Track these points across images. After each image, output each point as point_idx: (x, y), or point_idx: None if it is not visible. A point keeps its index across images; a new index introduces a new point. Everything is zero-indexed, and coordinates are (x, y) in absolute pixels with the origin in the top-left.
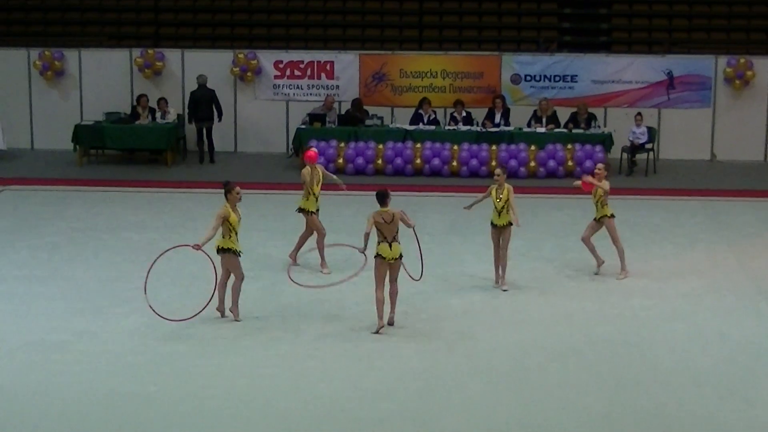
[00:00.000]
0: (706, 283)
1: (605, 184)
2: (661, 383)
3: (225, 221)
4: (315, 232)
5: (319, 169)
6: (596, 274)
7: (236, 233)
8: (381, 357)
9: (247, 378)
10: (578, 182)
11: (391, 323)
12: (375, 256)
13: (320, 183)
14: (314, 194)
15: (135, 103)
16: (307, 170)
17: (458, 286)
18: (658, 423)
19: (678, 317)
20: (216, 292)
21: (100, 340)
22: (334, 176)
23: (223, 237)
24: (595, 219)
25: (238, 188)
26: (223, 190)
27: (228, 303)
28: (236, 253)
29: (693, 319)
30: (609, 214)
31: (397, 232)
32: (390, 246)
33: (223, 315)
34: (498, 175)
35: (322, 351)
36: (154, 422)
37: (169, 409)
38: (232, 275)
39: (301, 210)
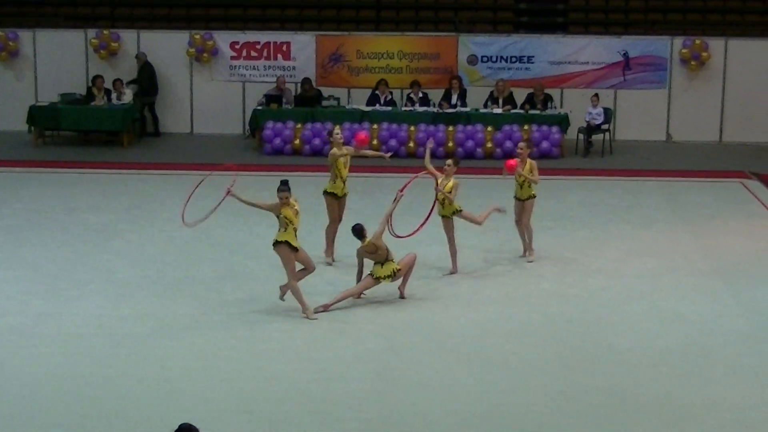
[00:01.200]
0: (662, 263)
1: (533, 165)
2: (618, 362)
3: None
4: (329, 218)
5: (346, 150)
6: (522, 257)
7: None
8: (339, 338)
9: (206, 359)
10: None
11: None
12: (369, 274)
13: (348, 166)
14: (342, 178)
15: (90, 84)
16: (335, 151)
17: (416, 267)
18: (615, 402)
19: (635, 297)
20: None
21: (58, 323)
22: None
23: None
24: (519, 199)
25: (286, 194)
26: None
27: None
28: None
29: (650, 298)
30: (533, 195)
31: (387, 253)
32: (382, 265)
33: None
34: (448, 165)
35: (281, 332)
36: (112, 404)
37: (127, 390)
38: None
39: (326, 193)
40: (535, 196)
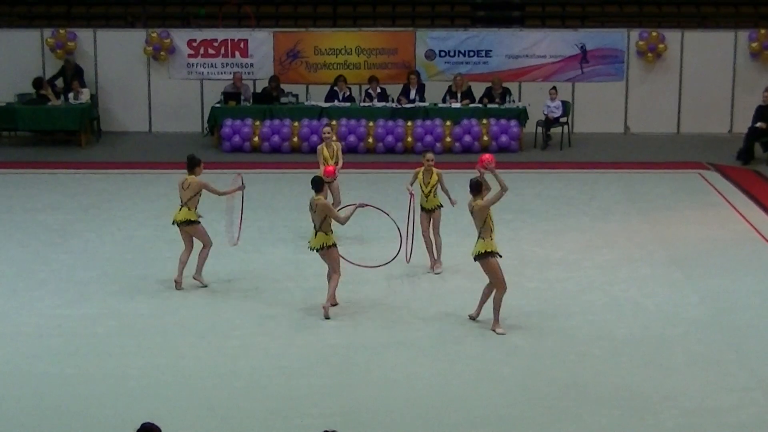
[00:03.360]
0: (621, 254)
1: (436, 175)
2: (578, 353)
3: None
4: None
5: (335, 146)
6: (432, 273)
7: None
8: (300, 334)
9: (166, 357)
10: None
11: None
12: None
13: (335, 158)
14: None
15: (34, 88)
16: (321, 147)
17: (376, 262)
18: (575, 393)
19: (594, 288)
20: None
21: (16, 323)
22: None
23: (192, 209)
24: (426, 209)
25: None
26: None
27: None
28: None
29: (608, 290)
30: (440, 204)
31: (322, 222)
32: (315, 234)
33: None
34: (429, 160)
35: (242, 329)
36: (71, 403)
37: (88, 389)
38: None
39: None
40: (442, 206)
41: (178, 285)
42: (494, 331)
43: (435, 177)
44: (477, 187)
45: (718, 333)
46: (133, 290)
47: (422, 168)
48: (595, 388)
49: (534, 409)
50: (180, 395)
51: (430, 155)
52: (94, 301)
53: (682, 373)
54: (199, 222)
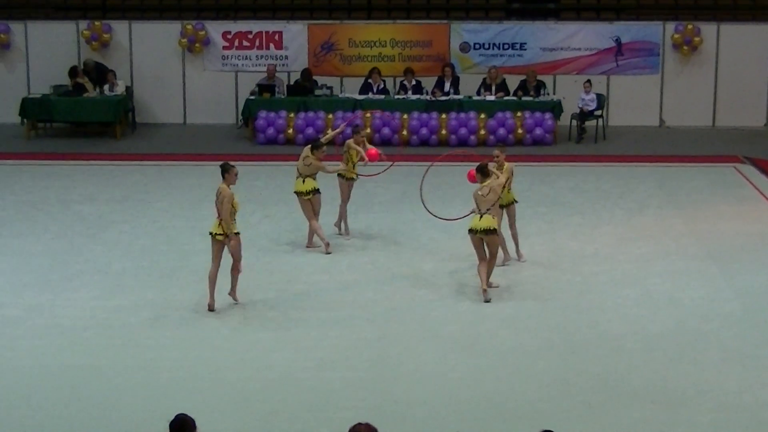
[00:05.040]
0: (655, 247)
1: (507, 170)
2: (612, 348)
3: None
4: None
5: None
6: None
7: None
8: (333, 327)
9: (199, 350)
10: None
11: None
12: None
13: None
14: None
15: (70, 77)
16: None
17: (409, 254)
18: (609, 388)
19: (628, 282)
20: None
21: (51, 315)
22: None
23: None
24: (500, 206)
25: (236, 169)
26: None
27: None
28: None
29: (643, 283)
30: (514, 200)
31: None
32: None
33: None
34: (497, 156)
35: (274, 322)
36: (106, 395)
37: (121, 381)
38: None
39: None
40: (516, 201)
41: (327, 247)
42: (489, 287)
43: (507, 170)
44: (486, 171)
45: (753, 328)
46: (167, 282)
47: (495, 165)
48: (629, 383)
49: (568, 403)
50: (213, 387)
51: (497, 151)
52: (128, 293)
53: (716, 368)
54: (320, 193)
